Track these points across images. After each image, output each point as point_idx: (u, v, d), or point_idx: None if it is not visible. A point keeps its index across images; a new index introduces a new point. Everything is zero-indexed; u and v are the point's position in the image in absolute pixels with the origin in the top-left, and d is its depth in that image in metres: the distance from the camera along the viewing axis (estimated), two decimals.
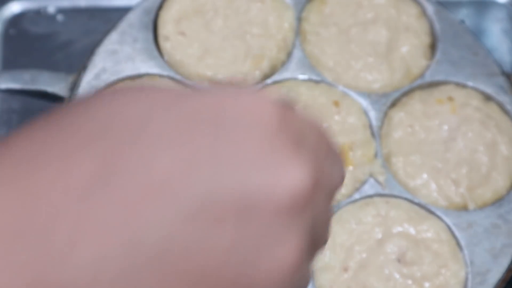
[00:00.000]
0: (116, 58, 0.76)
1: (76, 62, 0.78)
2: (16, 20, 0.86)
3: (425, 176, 0.73)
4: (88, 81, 0.75)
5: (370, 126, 0.75)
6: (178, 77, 0.76)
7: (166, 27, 0.78)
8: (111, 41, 0.77)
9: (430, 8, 0.81)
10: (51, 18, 0.86)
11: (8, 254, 0.31)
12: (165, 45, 0.77)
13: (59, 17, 0.86)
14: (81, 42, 0.85)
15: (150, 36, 0.77)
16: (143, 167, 0.32)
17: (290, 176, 0.34)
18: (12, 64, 0.84)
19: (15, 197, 0.32)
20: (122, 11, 0.79)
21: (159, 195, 0.32)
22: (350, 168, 0.73)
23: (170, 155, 0.33)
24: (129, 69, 0.75)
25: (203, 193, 0.32)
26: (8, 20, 0.86)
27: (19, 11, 0.86)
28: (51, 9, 0.86)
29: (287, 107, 0.35)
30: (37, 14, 0.86)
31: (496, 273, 0.69)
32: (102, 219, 0.32)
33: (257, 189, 0.33)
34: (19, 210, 0.32)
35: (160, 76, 0.76)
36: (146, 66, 0.76)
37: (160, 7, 0.79)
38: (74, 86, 0.75)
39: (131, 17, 0.78)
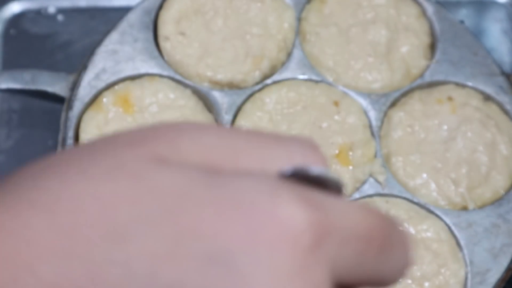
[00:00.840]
0: (116, 58, 0.76)
1: (76, 62, 0.78)
2: (16, 20, 0.86)
3: (424, 175, 0.73)
4: (89, 81, 0.75)
5: (370, 126, 0.75)
6: (178, 77, 0.76)
7: (166, 27, 0.78)
8: (111, 41, 0.77)
9: (430, 8, 0.81)
10: (51, 18, 0.86)
11: None
12: (165, 45, 0.77)
13: (59, 17, 0.86)
14: (81, 42, 0.85)
15: (150, 36, 0.77)
16: None
17: None
18: (12, 64, 0.84)
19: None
20: (122, 11, 0.79)
21: None
22: (350, 168, 0.73)
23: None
24: (129, 69, 0.76)
25: None
26: (8, 20, 0.86)
27: (19, 11, 0.86)
28: (51, 9, 0.86)
29: None
30: (37, 14, 0.86)
31: (496, 273, 0.69)
32: None
33: None
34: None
35: (160, 76, 0.76)
36: (146, 66, 0.76)
37: (160, 7, 0.79)
38: (74, 86, 0.75)
39: (131, 17, 0.78)
